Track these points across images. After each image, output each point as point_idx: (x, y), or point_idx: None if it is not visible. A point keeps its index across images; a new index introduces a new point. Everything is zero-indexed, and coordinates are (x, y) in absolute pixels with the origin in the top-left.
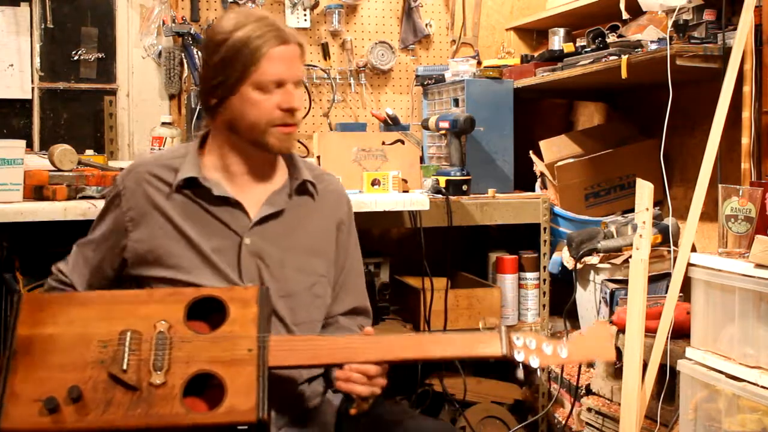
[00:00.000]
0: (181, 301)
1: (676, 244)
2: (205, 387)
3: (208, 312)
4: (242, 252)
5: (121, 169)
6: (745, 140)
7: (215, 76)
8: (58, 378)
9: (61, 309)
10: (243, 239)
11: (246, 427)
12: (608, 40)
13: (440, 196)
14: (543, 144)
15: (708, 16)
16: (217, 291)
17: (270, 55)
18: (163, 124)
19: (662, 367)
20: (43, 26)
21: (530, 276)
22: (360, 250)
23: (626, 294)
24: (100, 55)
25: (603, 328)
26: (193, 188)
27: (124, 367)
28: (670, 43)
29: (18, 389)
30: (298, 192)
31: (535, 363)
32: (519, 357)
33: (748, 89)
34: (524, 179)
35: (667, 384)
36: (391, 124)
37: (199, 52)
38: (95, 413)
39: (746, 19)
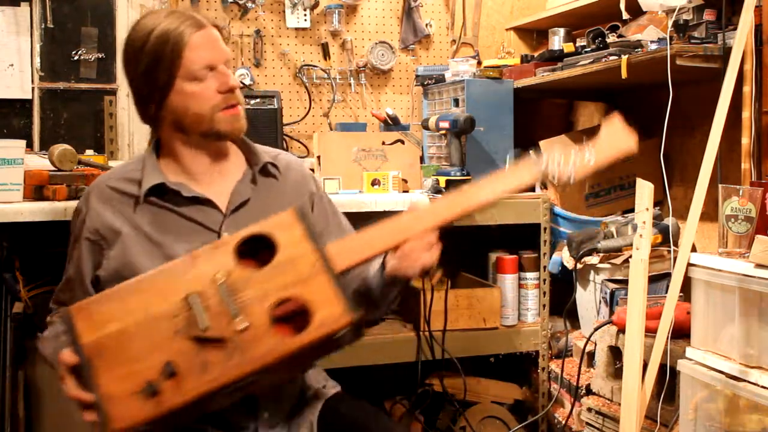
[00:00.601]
0: (226, 250)
1: (676, 244)
2: (283, 320)
3: (254, 253)
4: None
5: None
6: (745, 140)
7: (147, 82)
8: (145, 364)
9: (114, 305)
10: (221, 234)
11: (344, 332)
12: (608, 40)
13: (440, 196)
14: (543, 144)
15: (708, 16)
16: (255, 228)
17: (192, 43)
18: None
19: (662, 367)
20: (43, 26)
21: (530, 276)
22: (341, 212)
23: (626, 294)
24: (100, 55)
25: (615, 121)
26: (160, 195)
27: (204, 325)
28: (670, 43)
29: (112, 390)
30: (261, 176)
31: (572, 178)
32: (555, 177)
33: (748, 89)
34: None
35: (667, 384)
36: (391, 124)
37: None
38: (195, 380)
39: (746, 19)
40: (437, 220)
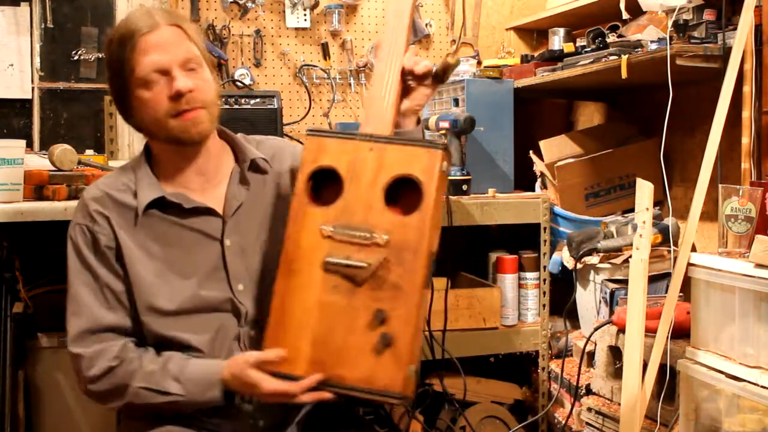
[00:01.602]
0: (302, 208)
1: (676, 244)
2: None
3: (318, 189)
4: (227, 255)
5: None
6: (745, 140)
7: (112, 88)
8: (358, 333)
9: (285, 326)
10: (224, 242)
11: (445, 165)
12: (608, 40)
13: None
14: (543, 144)
15: (708, 16)
16: (305, 170)
17: (140, 48)
18: None
19: (662, 367)
20: (43, 26)
21: (530, 276)
22: None
23: (626, 294)
24: (100, 55)
25: None
26: (160, 208)
27: (363, 264)
28: (670, 43)
29: (362, 374)
30: (251, 172)
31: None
32: None
33: (748, 89)
34: (524, 179)
35: (667, 384)
36: None
37: None
38: (403, 302)
39: (746, 19)
40: (403, 35)
